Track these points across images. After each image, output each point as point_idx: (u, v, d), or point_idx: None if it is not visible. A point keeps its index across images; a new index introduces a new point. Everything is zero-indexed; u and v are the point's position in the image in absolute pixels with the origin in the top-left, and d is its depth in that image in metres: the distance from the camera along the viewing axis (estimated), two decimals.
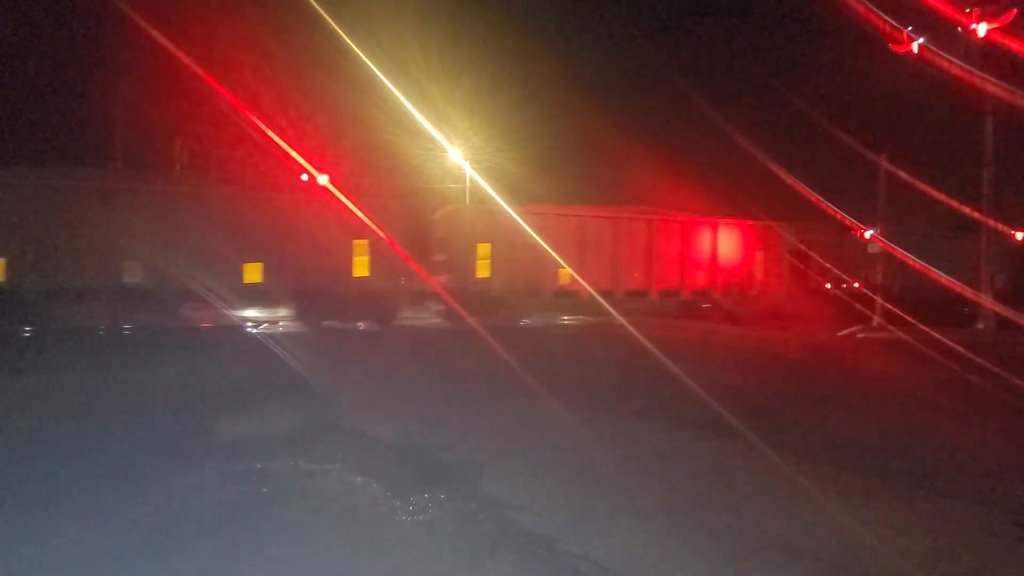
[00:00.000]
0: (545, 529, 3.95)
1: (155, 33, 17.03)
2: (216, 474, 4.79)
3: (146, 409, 6.97)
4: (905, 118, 21.91)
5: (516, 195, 21.15)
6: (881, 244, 20.46)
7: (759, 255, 21.83)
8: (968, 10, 16.21)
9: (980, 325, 17.62)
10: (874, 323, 18.87)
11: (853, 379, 10.22)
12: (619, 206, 22.65)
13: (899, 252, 19.96)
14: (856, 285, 21.39)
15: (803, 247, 21.97)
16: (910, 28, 16.58)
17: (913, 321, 15.63)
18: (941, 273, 18.39)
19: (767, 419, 6.83)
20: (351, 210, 15.03)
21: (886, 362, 11.95)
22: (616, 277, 19.53)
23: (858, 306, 19.77)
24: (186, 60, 18.11)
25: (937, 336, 13.56)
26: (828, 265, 21.78)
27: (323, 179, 16.15)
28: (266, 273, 15.52)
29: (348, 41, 17.08)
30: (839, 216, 21.19)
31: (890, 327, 17.27)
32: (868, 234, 20.80)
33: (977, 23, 16.20)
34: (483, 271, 17.99)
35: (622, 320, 15.04)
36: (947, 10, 16.32)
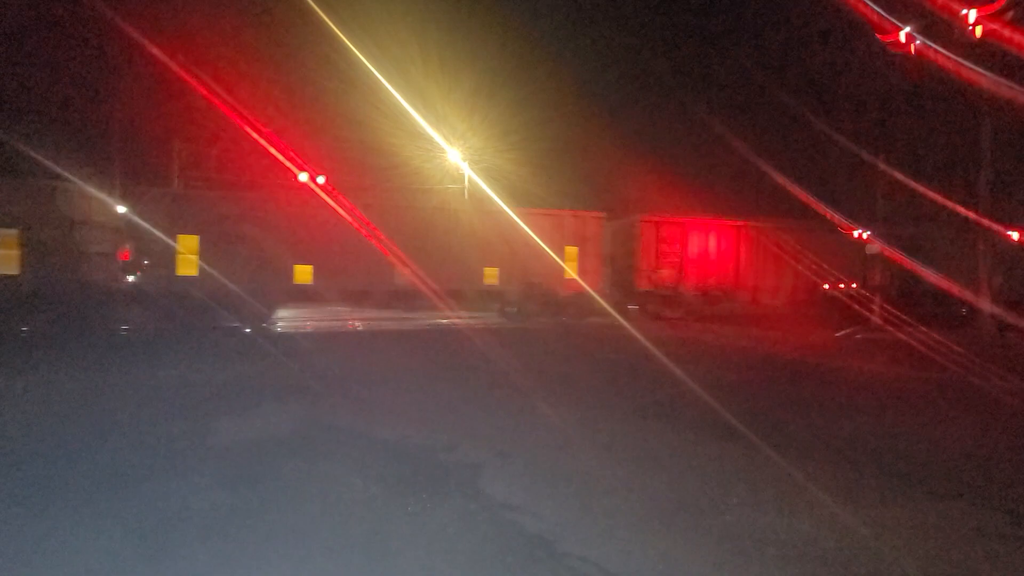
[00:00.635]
0: (545, 530, 3.93)
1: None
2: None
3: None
4: (899, 114, 21.87)
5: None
6: (878, 245, 20.49)
7: (742, 255, 21.66)
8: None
9: (978, 326, 17.66)
10: (872, 324, 18.90)
11: (852, 380, 10.21)
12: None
13: (897, 254, 19.99)
14: (854, 286, 21.40)
15: (797, 247, 21.95)
16: (899, 20, 16.47)
17: (911, 322, 15.66)
18: (939, 274, 18.44)
19: (766, 420, 6.82)
20: None
21: (884, 363, 11.96)
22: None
23: (856, 307, 19.82)
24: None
25: (935, 337, 13.59)
26: (824, 266, 21.78)
27: None
28: None
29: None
30: (833, 217, 21.21)
31: (888, 328, 17.29)
32: (865, 235, 20.82)
33: (967, 10, 16.08)
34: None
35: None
36: (938, 1, 16.23)
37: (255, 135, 18.65)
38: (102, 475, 4.76)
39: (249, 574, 3.38)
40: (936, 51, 15.95)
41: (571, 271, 18.38)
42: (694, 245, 20.76)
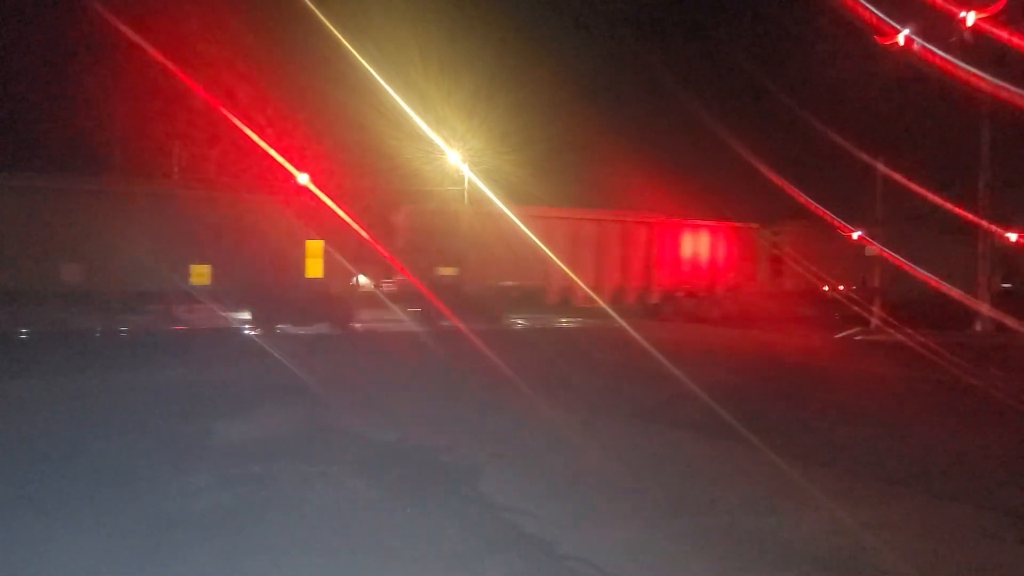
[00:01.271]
0: (544, 532, 3.93)
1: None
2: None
3: None
4: (897, 116, 21.87)
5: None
6: (875, 247, 20.50)
7: (737, 256, 21.61)
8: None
9: (977, 327, 17.66)
10: (872, 326, 18.90)
11: (851, 381, 10.21)
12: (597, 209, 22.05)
13: (894, 255, 19.99)
14: (852, 288, 21.40)
15: (794, 249, 21.94)
16: (897, 22, 16.47)
17: (910, 324, 15.66)
18: (937, 276, 18.43)
19: (765, 421, 6.82)
20: None
21: (883, 364, 11.96)
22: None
23: (855, 308, 19.82)
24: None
25: (934, 339, 13.59)
26: (822, 268, 21.76)
27: None
28: None
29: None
30: (831, 218, 21.18)
31: (887, 330, 17.29)
32: (856, 235, 20.83)
33: (966, 12, 16.10)
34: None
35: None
36: (937, 2, 16.23)
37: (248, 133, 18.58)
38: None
39: (249, 574, 3.37)
40: (934, 53, 15.96)
41: None
42: (672, 245, 20.54)
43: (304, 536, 3.80)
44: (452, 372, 10.18)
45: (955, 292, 18.00)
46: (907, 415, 7.66)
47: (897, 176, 19.80)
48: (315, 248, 15.22)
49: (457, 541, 3.80)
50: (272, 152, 17.06)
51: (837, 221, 21.13)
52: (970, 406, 8.21)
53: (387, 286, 17.99)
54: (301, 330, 14.90)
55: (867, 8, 16.31)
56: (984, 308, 17.62)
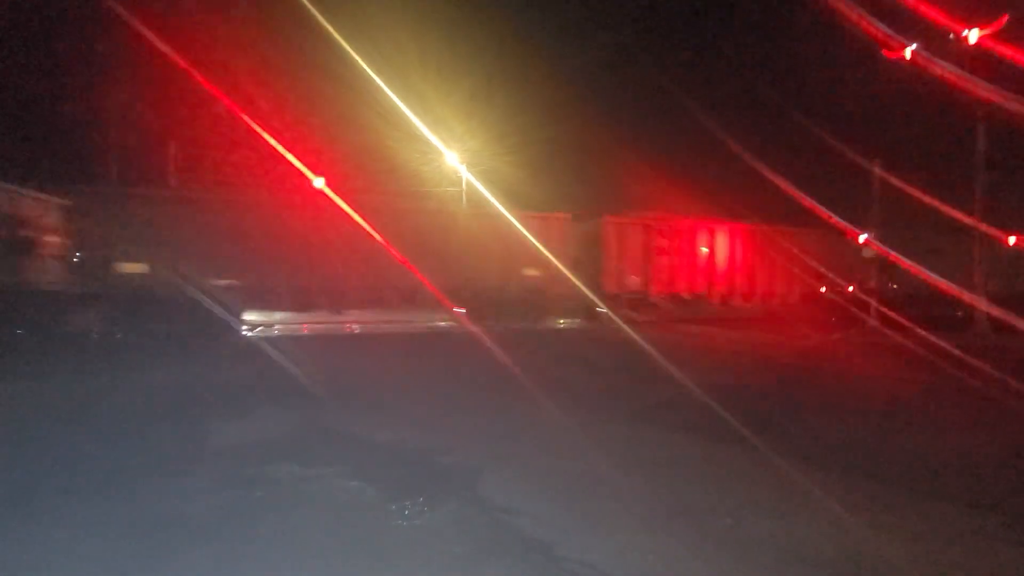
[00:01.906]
0: (543, 534, 3.91)
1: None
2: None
3: None
4: (899, 123, 22.01)
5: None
6: (876, 248, 20.53)
7: (737, 258, 21.56)
8: (961, 17, 16.33)
9: (976, 329, 17.70)
10: (869, 327, 18.92)
11: (850, 382, 10.22)
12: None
13: (893, 256, 20.03)
14: (850, 289, 21.43)
15: (795, 250, 21.95)
16: (902, 36, 16.66)
17: (909, 325, 15.68)
18: (936, 277, 18.46)
19: (764, 423, 6.81)
20: None
21: (882, 366, 11.97)
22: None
23: (854, 309, 19.85)
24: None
25: (933, 340, 13.60)
26: (822, 269, 21.79)
27: None
28: None
29: None
30: (832, 220, 21.23)
31: (885, 330, 17.31)
32: (862, 238, 20.86)
33: (969, 29, 16.32)
34: None
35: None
36: (940, 17, 16.44)
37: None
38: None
39: None
40: (937, 64, 16.10)
41: None
42: (667, 246, 20.39)
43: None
44: None
45: (953, 293, 18.04)
46: (904, 417, 7.66)
47: (896, 179, 19.90)
48: None
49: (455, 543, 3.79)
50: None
51: (841, 223, 21.17)
52: (967, 408, 8.20)
53: None
54: None
55: (871, 22, 16.47)
56: (982, 309, 17.66)
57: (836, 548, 3.83)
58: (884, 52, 17.37)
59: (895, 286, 21.45)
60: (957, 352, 11.81)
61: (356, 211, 14.77)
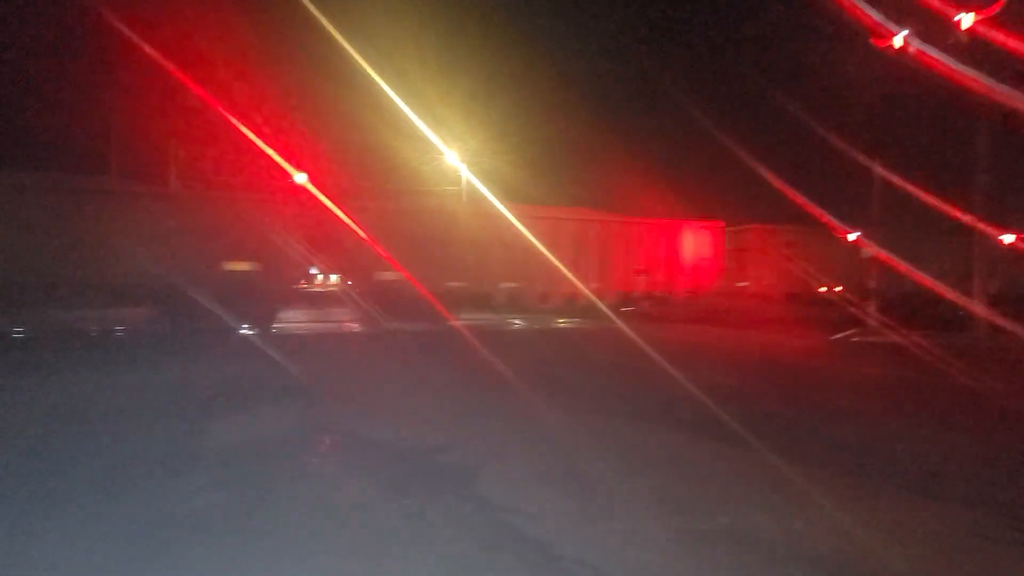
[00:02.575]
0: (541, 533, 3.91)
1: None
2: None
3: None
4: (893, 118, 21.94)
5: None
6: (871, 249, 20.54)
7: (734, 257, 21.49)
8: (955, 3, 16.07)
9: (974, 330, 17.68)
10: (868, 327, 18.92)
11: (848, 383, 10.21)
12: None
13: (891, 257, 20.03)
14: (848, 289, 21.43)
15: (789, 250, 21.92)
16: (894, 22, 16.39)
17: (907, 326, 15.69)
18: (934, 278, 18.47)
19: (764, 423, 6.81)
20: None
21: (881, 366, 11.97)
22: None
23: (852, 310, 19.84)
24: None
25: (931, 341, 13.61)
26: (820, 269, 21.77)
27: None
28: None
29: None
30: (826, 220, 21.20)
31: (884, 331, 17.31)
32: (852, 237, 20.85)
33: (964, 14, 16.03)
34: None
35: None
36: (934, 4, 16.18)
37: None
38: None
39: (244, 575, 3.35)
40: (931, 55, 15.95)
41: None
42: (655, 247, 20.33)
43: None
44: None
45: (950, 293, 18.04)
46: (903, 417, 7.66)
47: (893, 178, 19.86)
48: None
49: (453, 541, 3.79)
50: None
51: (833, 222, 21.14)
52: (966, 408, 8.20)
53: None
54: None
55: (863, 10, 16.28)
56: (980, 310, 17.64)
57: (834, 547, 3.83)
58: (874, 41, 17.08)
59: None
60: (956, 354, 11.82)
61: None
